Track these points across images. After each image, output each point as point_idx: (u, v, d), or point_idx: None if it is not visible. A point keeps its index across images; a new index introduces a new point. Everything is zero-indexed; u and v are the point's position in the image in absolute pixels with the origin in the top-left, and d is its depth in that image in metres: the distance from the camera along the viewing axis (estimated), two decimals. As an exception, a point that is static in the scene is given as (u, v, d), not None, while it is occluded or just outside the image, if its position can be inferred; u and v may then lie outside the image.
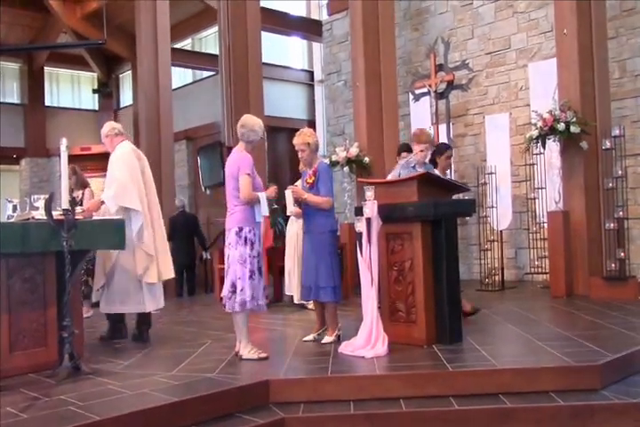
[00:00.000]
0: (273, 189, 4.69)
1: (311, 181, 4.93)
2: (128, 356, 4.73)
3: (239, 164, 4.52)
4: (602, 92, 7.40)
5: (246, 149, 4.64)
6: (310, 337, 4.98)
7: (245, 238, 4.42)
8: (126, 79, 19.02)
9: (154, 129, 11.62)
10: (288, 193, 4.88)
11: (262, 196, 4.51)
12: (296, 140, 5.02)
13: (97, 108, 19.40)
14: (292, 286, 7.04)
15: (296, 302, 6.97)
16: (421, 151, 5.43)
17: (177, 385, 3.77)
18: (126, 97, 18.98)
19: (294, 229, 7.06)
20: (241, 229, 4.44)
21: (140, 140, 12.80)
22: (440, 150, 5.99)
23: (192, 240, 10.35)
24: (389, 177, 5.61)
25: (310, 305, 6.42)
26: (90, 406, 3.41)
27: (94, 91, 19.02)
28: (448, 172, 6.35)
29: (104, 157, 18.46)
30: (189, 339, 5.46)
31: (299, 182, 5.66)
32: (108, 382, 3.90)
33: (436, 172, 5.68)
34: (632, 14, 8.42)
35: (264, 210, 4.50)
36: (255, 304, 4.42)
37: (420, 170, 5.28)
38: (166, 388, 3.70)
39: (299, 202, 4.92)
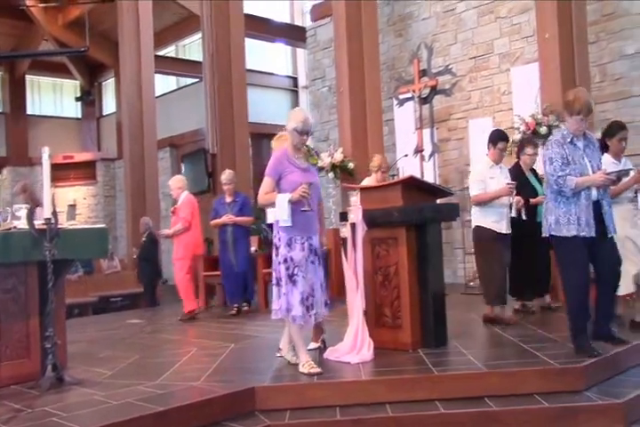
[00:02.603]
0: (299, 190, 4.08)
1: None
2: (112, 365, 4.69)
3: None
4: (583, 96, 7.45)
5: (290, 143, 4.29)
6: (314, 346, 4.75)
7: (275, 244, 4.23)
8: (109, 87, 18.98)
9: (137, 136, 11.60)
10: (282, 198, 4.67)
11: (279, 198, 4.12)
12: (275, 144, 4.78)
13: (80, 115, 19.34)
14: None
15: None
16: (580, 122, 4.14)
17: (161, 394, 3.74)
18: (109, 104, 18.94)
19: None
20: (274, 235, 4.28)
21: (124, 147, 12.78)
22: (611, 131, 4.97)
23: (157, 260, 10.62)
24: (544, 159, 4.27)
25: None
26: (74, 417, 3.38)
27: (77, 98, 18.95)
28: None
29: (87, 165, 18.46)
30: (174, 347, 5.42)
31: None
32: (92, 393, 3.86)
33: (607, 157, 4.83)
34: (612, 19, 8.52)
35: (279, 214, 4.10)
36: (285, 315, 4.13)
37: (580, 144, 4.17)
38: (151, 397, 3.67)
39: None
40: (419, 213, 4.62)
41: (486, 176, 5.47)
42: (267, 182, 4.22)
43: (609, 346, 4.24)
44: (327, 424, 3.59)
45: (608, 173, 4.08)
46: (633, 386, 3.83)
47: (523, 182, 5.72)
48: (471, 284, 8.50)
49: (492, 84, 9.75)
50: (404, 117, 9.64)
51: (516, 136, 7.44)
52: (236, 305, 7.28)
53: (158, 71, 13.27)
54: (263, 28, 14.12)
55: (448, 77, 8.91)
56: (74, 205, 17.52)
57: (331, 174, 9.01)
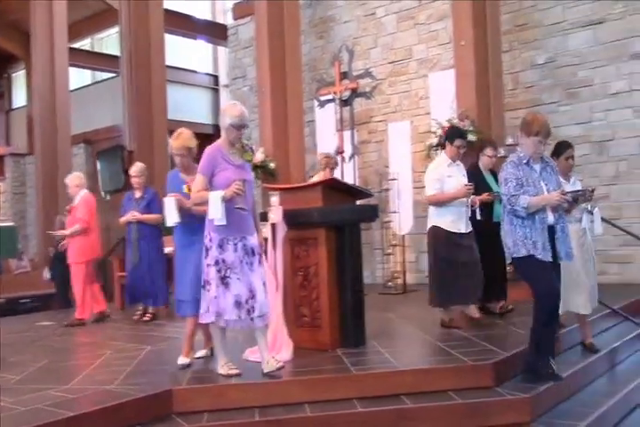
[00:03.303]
0: (232, 186, 3.91)
1: None
2: (21, 370, 4.49)
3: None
4: (496, 103, 7.76)
5: (225, 139, 4.10)
6: (203, 353, 4.61)
7: (205, 245, 4.03)
8: (20, 79, 18.17)
9: (50, 131, 11.16)
10: (169, 201, 4.28)
11: (211, 196, 3.91)
12: (175, 144, 4.44)
13: (-13, 108, 18.42)
14: None
15: None
16: (538, 144, 3.99)
17: (73, 399, 3.62)
18: (20, 97, 18.13)
19: None
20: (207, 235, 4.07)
21: (35, 142, 12.27)
22: (559, 150, 4.93)
23: None
24: (500, 180, 4.18)
25: None
26: (-23, 424, 3.22)
27: (-16, 90, 18.05)
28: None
29: (-5, 159, 17.19)
30: (87, 350, 5.25)
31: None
32: (-2, 399, 3.69)
33: None
34: (525, 29, 8.91)
35: (212, 212, 3.89)
36: (215, 319, 3.96)
37: (537, 167, 4.06)
38: (62, 402, 3.54)
39: (182, 211, 4.29)
40: (338, 213, 4.67)
41: (444, 175, 5.32)
42: (199, 180, 4.03)
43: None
44: (246, 425, 3.58)
45: (565, 193, 3.97)
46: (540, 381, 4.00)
47: (478, 182, 5.60)
48: (389, 284, 8.68)
49: (410, 88, 9.99)
50: (325, 119, 9.71)
51: (432, 140, 7.65)
52: (140, 308, 6.83)
53: (72, 64, 12.81)
54: (184, 24, 13.88)
55: (368, 81, 9.06)
56: (-20, 202, 16.68)
57: (252, 174, 8.97)
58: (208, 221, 4.01)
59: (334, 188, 4.84)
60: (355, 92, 8.69)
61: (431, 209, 5.45)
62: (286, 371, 4.05)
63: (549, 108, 8.65)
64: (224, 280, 3.95)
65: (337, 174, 7.73)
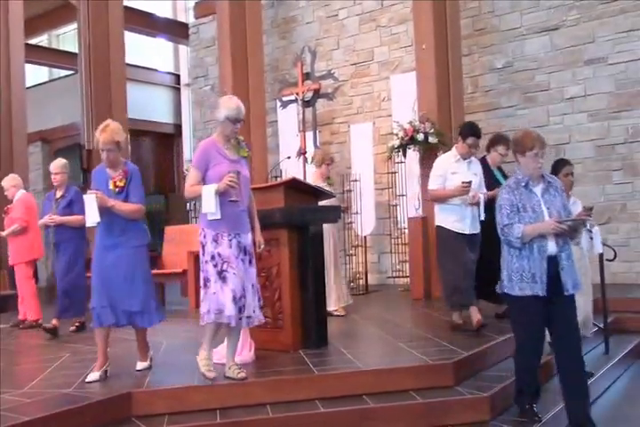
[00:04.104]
0: (225, 179, 3.80)
1: (122, 184, 4.19)
2: (-27, 374, 4.37)
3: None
4: (456, 106, 7.87)
5: (220, 133, 4.05)
6: (97, 375, 4.04)
7: (200, 242, 3.94)
8: (-26, 75, 17.63)
9: (5, 130, 10.87)
10: (89, 199, 3.98)
11: (205, 190, 3.82)
12: (102, 138, 4.10)
13: (-61, 104, 17.84)
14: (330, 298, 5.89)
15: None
16: (535, 158, 3.61)
17: (29, 403, 3.53)
18: (-27, 94, 17.59)
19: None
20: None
21: (-10, 140, 11.93)
22: (557, 168, 4.77)
23: None
24: (499, 206, 3.72)
25: (337, 312, 6.10)
26: None
27: (-64, 86, 17.48)
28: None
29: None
30: (44, 353, 5.14)
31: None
32: (-51, 404, 3.58)
33: None
34: (483, 34, 9.06)
35: (205, 206, 3.80)
36: (217, 317, 3.82)
37: (538, 189, 3.68)
38: (16, 406, 3.45)
39: (104, 211, 4.01)
40: (300, 214, 4.67)
41: (447, 171, 5.13)
42: (192, 174, 3.96)
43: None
44: (206, 428, 3.55)
45: (560, 222, 3.54)
46: (498, 380, 4.06)
47: (487, 178, 5.34)
48: (351, 284, 8.70)
49: (372, 90, 10.06)
50: (288, 120, 9.73)
51: (394, 142, 7.71)
52: (53, 321, 6.09)
53: (29, 61, 12.54)
54: (144, 21, 13.72)
55: (330, 82, 9.09)
56: None
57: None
58: (201, 216, 3.94)
59: (296, 188, 4.84)
60: (317, 94, 8.71)
61: (435, 208, 5.37)
62: (248, 372, 4.03)
63: (507, 111, 8.81)
64: (221, 274, 3.84)
65: (299, 175, 7.73)
